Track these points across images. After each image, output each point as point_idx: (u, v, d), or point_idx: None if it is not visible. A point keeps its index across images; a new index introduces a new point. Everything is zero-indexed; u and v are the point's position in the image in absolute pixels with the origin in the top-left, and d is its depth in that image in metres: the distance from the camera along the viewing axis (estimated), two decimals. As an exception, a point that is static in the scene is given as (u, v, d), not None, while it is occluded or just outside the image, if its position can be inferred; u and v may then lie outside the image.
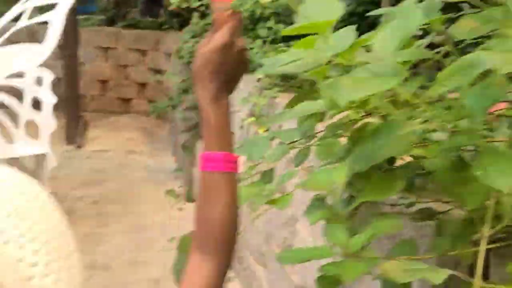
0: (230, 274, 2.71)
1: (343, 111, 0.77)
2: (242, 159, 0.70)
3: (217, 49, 0.68)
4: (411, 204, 0.92)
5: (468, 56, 0.56)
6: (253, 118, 2.55)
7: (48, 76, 3.15)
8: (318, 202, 0.67)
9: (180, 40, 3.98)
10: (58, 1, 3.19)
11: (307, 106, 0.76)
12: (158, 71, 5.85)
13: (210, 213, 0.69)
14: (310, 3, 0.65)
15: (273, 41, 2.91)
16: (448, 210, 0.79)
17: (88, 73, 6.39)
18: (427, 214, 0.82)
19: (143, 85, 6.30)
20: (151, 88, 6.20)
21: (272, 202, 0.72)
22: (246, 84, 2.64)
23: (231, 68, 0.69)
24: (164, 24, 5.98)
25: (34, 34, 5.43)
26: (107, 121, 6.08)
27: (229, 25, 0.68)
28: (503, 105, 0.73)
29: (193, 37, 3.73)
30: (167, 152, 4.94)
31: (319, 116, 0.93)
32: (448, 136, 0.70)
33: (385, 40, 0.63)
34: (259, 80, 2.60)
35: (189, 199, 3.70)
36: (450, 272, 0.64)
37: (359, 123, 0.77)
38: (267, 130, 2.34)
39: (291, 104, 0.94)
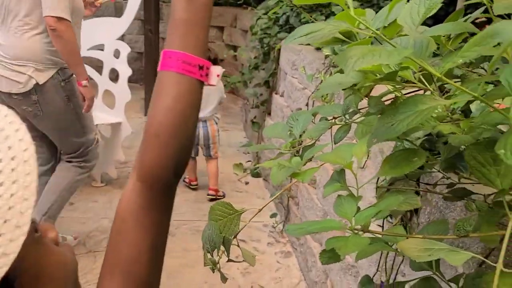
0: (288, 248, 2.74)
1: (371, 86, 0.76)
2: (217, 71, 0.63)
3: None
4: (452, 184, 0.89)
5: (489, 27, 0.53)
6: (317, 96, 2.52)
7: (125, 49, 3.29)
8: (338, 175, 0.67)
9: (254, 16, 4.00)
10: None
11: (339, 78, 0.75)
12: (235, 47, 5.92)
13: (151, 115, 0.61)
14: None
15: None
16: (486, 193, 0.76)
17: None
18: (462, 194, 0.79)
19: (220, 61, 6.41)
20: (228, 64, 6.30)
21: (295, 175, 0.72)
22: (313, 61, 2.62)
23: None
24: (242, 0, 6.02)
25: (120, 9, 5.68)
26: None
27: None
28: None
29: (266, 13, 3.74)
30: (238, 127, 5.02)
31: (365, 91, 0.91)
32: (480, 113, 0.67)
33: (410, 14, 0.61)
34: (326, 57, 2.56)
35: (256, 174, 3.75)
36: (471, 254, 0.62)
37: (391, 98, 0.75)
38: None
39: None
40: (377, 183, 0.88)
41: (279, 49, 3.46)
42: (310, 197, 2.44)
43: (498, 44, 0.51)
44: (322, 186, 1.97)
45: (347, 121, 0.96)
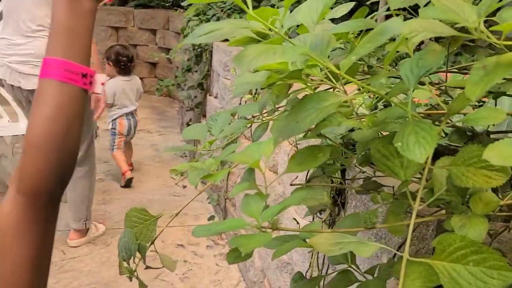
0: (227, 250, 2.72)
1: (282, 83, 0.76)
2: (102, 79, 0.62)
3: None
4: (368, 178, 0.91)
5: (381, 24, 0.55)
6: (249, 96, 2.53)
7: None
8: (248, 174, 0.67)
9: (185, 18, 3.97)
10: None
11: (248, 78, 0.75)
12: (168, 50, 5.85)
13: (31, 125, 0.58)
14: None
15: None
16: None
17: (100, 53, 6.42)
18: (372, 187, 0.81)
19: (153, 64, 6.31)
20: (162, 67, 6.21)
21: (207, 176, 0.72)
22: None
23: None
24: (174, 3, 5.97)
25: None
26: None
27: None
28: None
29: (197, 15, 3.71)
30: (175, 130, 4.96)
31: (277, 89, 0.91)
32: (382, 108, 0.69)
33: (309, 12, 0.61)
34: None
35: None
36: (379, 245, 0.63)
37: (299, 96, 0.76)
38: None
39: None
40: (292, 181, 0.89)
41: (211, 51, 3.45)
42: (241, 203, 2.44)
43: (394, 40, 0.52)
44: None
45: (264, 119, 0.97)
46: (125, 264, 0.77)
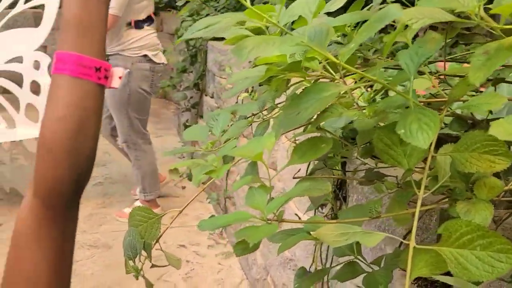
0: (228, 249, 2.73)
1: (281, 77, 0.76)
2: (119, 73, 0.59)
3: None
4: (370, 170, 0.91)
5: (378, 11, 0.54)
6: (245, 94, 2.53)
7: (46, 60, 3.16)
8: (251, 168, 0.67)
9: (179, 19, 3.96)
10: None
11: (246, 73, 0.75)
12: (163, 52, 5.83)
13: (43, 125, 0.56)
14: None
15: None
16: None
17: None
18: (375, 177, 0.81)
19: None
20: (157, 69, 6.19)
21: (209, 172, 0.72)
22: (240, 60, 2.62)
23: None
24: (167, 4, 5.95)
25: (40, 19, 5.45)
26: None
27: None
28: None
29: (190, 15, 3.71)
30: (172, 132, 4.96)
31: (276, 84, 0.91)
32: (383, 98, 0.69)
33: (307, 3, 0.61)
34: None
35: (191, 177, 3.72)
36: (385, 235, 0.63)
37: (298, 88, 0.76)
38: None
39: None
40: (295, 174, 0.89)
41: (206, 51, 3.44)
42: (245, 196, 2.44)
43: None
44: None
45: (264, 117, 0.97)
46: (131, 263, 0.77)
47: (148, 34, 3.06)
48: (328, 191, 0.60)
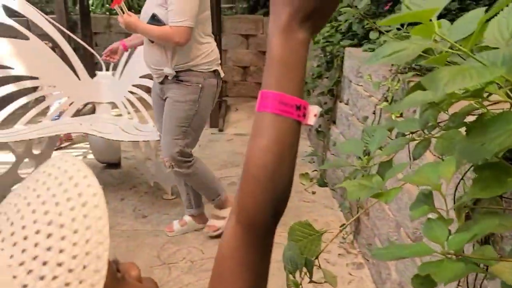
0: (359, 260, 2.69)
1: (454, 102, 0.73)
2: (315, 110, 0.61)
3: None
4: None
5: None
6: (385, 104, 2.47)
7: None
8: (424, 197, 0.65)
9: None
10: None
11: (423, 95, 0.73)
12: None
13: (248, 156, 0.60)
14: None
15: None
16: None
17: (230, 60, 6.70)
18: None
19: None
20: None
21: (377, 195, 0.71)
22: (380, 67, 2.57)
23: None
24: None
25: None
26: (247, 106, 6.33)
27: None
28: None
29: (329, 22, 3.71)
30: (302, 135, 5.00)
31: (443, 105, 0.88)
32: None
33: (499, 27, 0.58)
34: (393, 64, 2.51)
35: (322, 183, 3.73)
36: None
37: (478, 114, 0.73)
38: (400, 116, 2.26)
39: (411, 91, 0.90)
40: (454, 200, 0.85)
41: (342, 57, 3.43)
42: (381, 207, 2.39)
43: None
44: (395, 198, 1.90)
45: (426, 136, 0.93)
46: (291, 277, 0.80)
47: (215, 47, 2.81)
48: (510, 229, 0.57)
